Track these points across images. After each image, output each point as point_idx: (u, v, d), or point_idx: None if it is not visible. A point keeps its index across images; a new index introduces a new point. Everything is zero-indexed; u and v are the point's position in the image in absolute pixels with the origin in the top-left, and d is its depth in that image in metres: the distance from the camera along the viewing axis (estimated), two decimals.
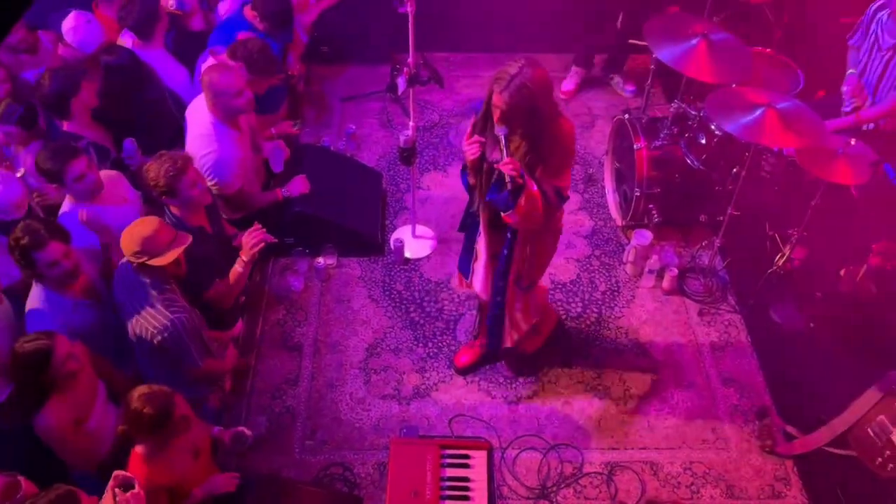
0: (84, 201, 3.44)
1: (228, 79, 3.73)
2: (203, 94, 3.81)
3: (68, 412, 2.82)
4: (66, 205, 3.51)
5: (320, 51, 5.74)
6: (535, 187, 2.96)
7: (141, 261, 2.94)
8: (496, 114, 2.88)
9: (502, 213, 3.02)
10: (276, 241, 3.75)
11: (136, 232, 2.94)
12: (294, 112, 5.22)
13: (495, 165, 2.95)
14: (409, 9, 3.58)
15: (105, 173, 3.61)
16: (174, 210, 3.37)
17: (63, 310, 3.09)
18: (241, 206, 4.12)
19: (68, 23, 4.20)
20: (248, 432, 3.20)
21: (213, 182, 3.83)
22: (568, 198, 3.15)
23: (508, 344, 3.70)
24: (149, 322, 2.99)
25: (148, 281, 3.01)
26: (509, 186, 2.88)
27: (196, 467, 2.89)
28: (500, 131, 2.87)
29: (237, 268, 3.51)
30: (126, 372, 3.26)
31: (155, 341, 2.99)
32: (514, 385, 3.95)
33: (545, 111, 2.90)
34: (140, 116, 4.11)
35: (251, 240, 3.46)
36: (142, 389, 2.63)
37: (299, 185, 4.27)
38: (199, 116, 3.85)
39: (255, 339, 4.12)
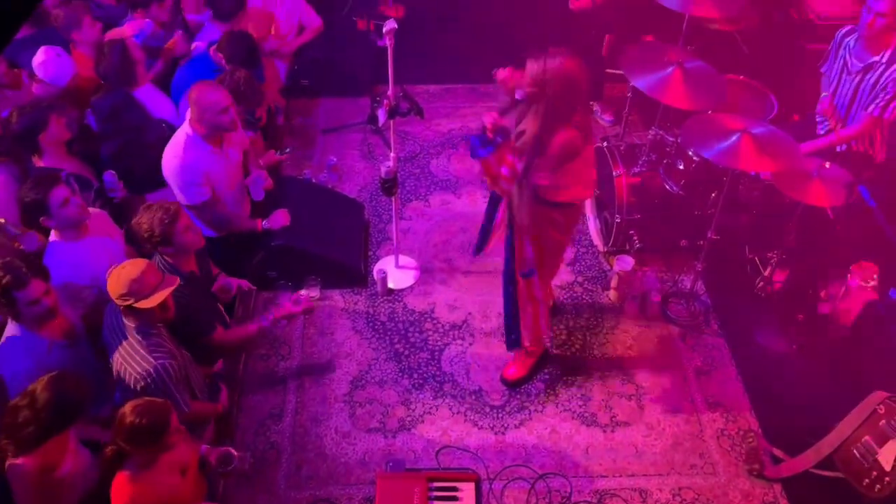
0: (70, 230, 3.40)
1: (215, 95, 3.75)
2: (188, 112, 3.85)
3: (35, 458, 2.74)
4: (53, 236, 3.47)
5: (301, 84, 5.77)
6: (510, 159, 3.14)
7: (127, 303, 2.89)
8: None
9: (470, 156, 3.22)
10: (255, 288, 3.91)
11: (123, 274, 2.89)
12: (274, 145, 5.22)
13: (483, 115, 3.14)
14: (389, 42, 3.61)
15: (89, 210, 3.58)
16: (168, 258, 3.35)
17: (38, 350, 3.03)
18: (219, 224, 4.10)
19: (38, 58, 4.20)
20: (235, 453, 3.15)
21: (176, 190, 3.88)
22: (554, 204, 3.28)
23: (526, 343, 3.82)
24: (132, 367, 2.94)
25: (134, 325, 2.97)
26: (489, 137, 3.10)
27: (184, 485, 2.83)
28: (518, 95, 3.06)
29: (251, 328, 3.60)
30: (102, 413, 3.19)
31: (137, 387, 2.92)
32: (500, 415, 3.92)
33: (560, 107, 3.05)
34: (133, 154, 4.12)
35: (291, 309, 3.66)
36: (134, 403, 2.61)
37: (280, 219, 4.27)
38: (178, 132, 3.89)
39: (239, 375, 4.07)
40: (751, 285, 4.30)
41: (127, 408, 2.59)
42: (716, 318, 4.39)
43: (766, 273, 4.22)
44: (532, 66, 3.02)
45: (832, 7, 5.30)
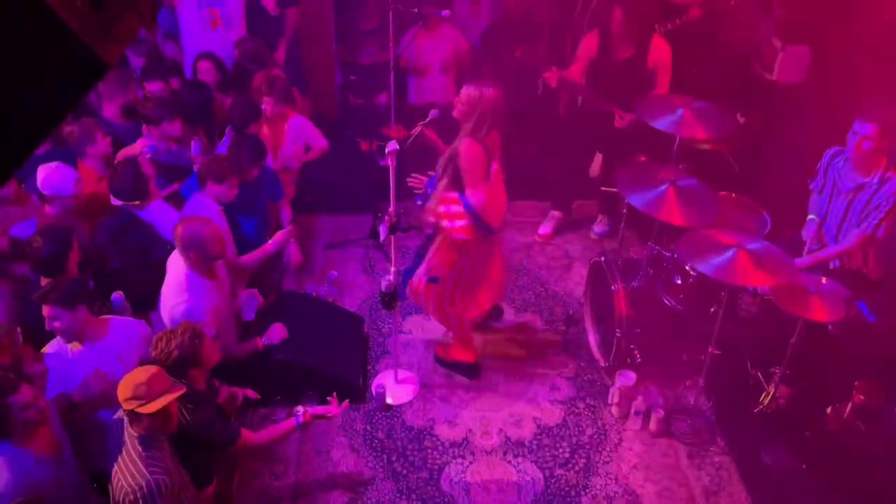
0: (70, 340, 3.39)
1: (203, 227, 3.76)
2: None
3: None
4: (53, 345, 3.44)
5: (305, 201, 5.92)
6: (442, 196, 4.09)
7: (131, 407, 2.86)
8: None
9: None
10: (259, 397, 3.76)
11: (131, 378, 2.89)
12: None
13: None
14: (391, 162, 3.74)
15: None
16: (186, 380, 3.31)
17: (23, 467, 2.95)
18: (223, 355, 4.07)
19: (39, 177, 4.18)
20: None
21: None
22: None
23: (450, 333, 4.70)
24: (125, 479, 2.86)
25: (137, 434, 2.92)
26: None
27: None
28: (432, 114, 4.11)
29: (286, 425, 3.60)
30: None
31: (126, 500, 2.83)
32: None
33: (481, 125, 3.90)
34: (137, 274, 4.15)
35: (329, 410, 3.69)
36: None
37: (278, 333, 4.26)
38: (175, 266, 3.86)
39: (232, 495, 3.93)
40: (755, 401, 4.23)
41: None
42: (721, 434, 4.29)
43: (771, 389, 4.17)
44: (469, 91, 3.90)
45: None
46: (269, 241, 4.55)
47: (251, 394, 3.87)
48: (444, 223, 4.11)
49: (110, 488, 2.94)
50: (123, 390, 2.87)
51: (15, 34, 1.16)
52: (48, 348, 3.49)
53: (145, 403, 2.86)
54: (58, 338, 3.47)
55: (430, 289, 4.37)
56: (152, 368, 2.97)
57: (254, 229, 4.72)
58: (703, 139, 4.75)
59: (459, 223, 4.04)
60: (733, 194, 4.72)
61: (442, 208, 4.06)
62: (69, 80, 1.27)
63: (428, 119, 4.14)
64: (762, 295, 4.14)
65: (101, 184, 4.45)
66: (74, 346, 3.46)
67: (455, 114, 3.94)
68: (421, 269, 4.43)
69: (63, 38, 1.20)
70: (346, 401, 3.82)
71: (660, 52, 4.96)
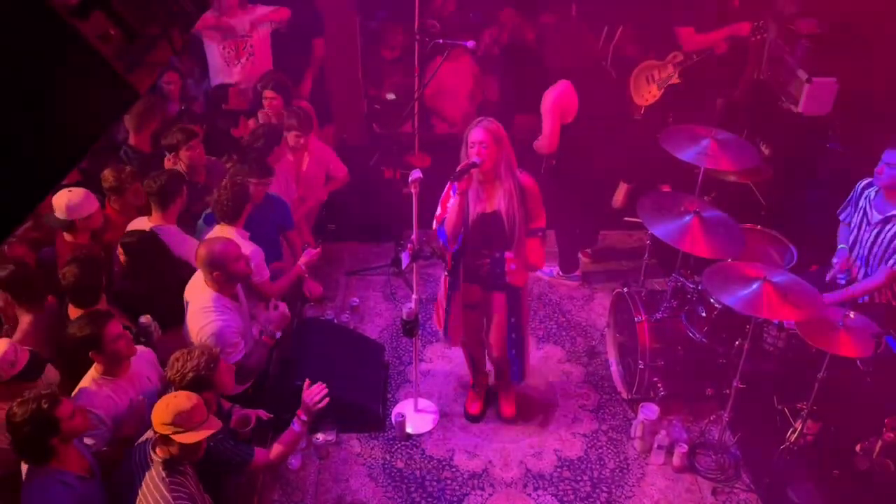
0: (114, 367, 3.40)
1: (225, 247, 3.78)
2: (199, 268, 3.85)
3: None
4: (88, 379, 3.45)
5: (327, 228, 5.96)
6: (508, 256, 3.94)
7: (167, 432, 2.86)
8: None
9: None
10: (272, 416, 3.71)
11: (173, 403, 2.89)
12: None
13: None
14: (414, 190, 3.76)
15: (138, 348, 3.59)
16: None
17: (72, 485, 2.96)
18: (246, 376, 4.06)
19: (59, 203, 4.09)
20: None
21: None
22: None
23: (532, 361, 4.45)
24: (148, 501, 2.87)
25: (161, 459, 2.92)
26: None
27: None
28: (476, 158, 3.63)
29: (295, 427, 3.49)
30: None
31: None
32: None
33: (512, 158, 3.73)
34: (160, 294, 4.16)
35: (314, 397, 3.52)
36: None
37: (278, 318, 4.09)
38: (198, 292, 3.87)
39: None
40: (781, 437, 4.14)
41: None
42: (747, 471, 4.20)
43: (798, 425, 4.08)
44: (488, 127, 3.65)
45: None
46: (298, 263, 4.52)
47: (264, 415, 3.82)
48: (538, 268, 4.13)
49: None
50: (163, 414, 2.87)
51: (53, 65, 1.19)
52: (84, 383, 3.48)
53: (183, 432, 2.86)
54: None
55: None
56: (195, 398, 2.96)
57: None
58: (728, 170, 4.73)
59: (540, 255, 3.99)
60: (758, 226, 4.68)
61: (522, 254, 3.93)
62: (102, 108, 1.30)
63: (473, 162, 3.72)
64: (788, 329, 4.07)
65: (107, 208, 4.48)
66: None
67: (485, 168, 3.68)
68: (513, 333, 4.18)
69: (98, 68, 1.23)
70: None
71: None
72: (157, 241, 4.19)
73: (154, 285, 4.09)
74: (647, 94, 5.70)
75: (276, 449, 3.48)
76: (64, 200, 4.06)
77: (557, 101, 4.95)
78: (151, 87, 5.47)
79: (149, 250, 4.10)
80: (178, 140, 4.75)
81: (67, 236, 4.15)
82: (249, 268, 3.95)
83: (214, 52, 5.90)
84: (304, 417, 3.46)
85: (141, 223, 4.35)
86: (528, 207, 3.79)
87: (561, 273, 5.65)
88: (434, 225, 4.01)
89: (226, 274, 3.77)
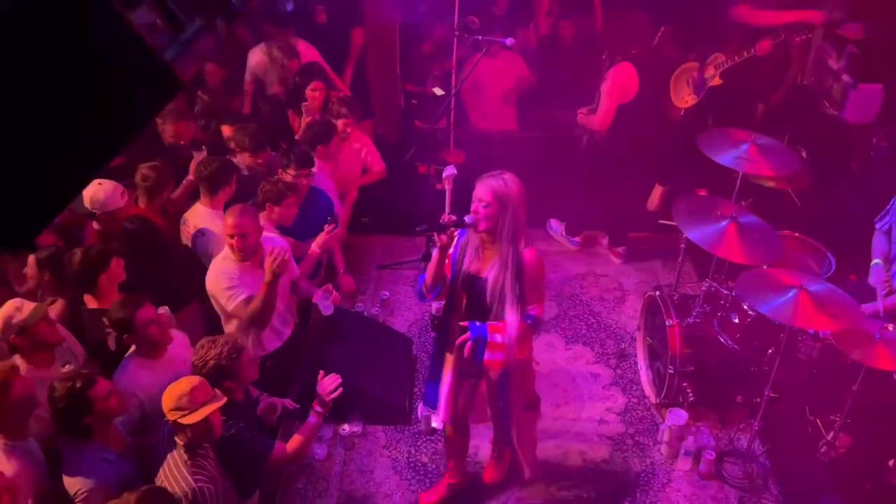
0: (150, 350, 3.46)
1: (244, 219, 3.78)
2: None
3: None
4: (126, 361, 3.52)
5: (360, 221, 6.00)
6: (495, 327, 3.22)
7: (174, 418, 2.93)
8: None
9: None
10: (297, 406, 3.73)
11: (175, 388, 2.96)
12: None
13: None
14: (447, 186, 3.77)
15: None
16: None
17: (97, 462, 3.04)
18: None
19: (90, 194, 4.10)
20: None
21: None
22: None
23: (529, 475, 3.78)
24: (170, 483, 2.93)
25: (182, 442, 2.98)
26: None
27: None
28: (470, 219, 3.17)
29: (311, 420, 3.46)
30: None
31: None
32: None
33: (519, 225, 3.18)
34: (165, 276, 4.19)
35: (328, 387, 3.44)
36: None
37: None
38: (223, 262, 3.87)
39: None
40: (813, 449, 4.07)
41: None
42: (775, 482, 4.14)
43: (830, 437, 4.01)
44: (494, 187, 3.15)
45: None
46: (313, 245, 4.49)
47: (290, 404, 3.85)
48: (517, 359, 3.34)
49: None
50: (167, 400, 2.94)
51: (102, 56, 1.22)
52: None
53: (187, 414, 2.92)
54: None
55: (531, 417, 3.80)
56: (194, 380, 3.02)
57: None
58: (766, 176, 4.65)
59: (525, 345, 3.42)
60: (796, 233, 4.59)
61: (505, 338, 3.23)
62: (146, 98, 1.32)
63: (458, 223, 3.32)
64: (824, 339, 4.00)
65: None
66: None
67: (483, 227, 3.20)
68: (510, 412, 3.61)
69: (144, 58, 1.25)
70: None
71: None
72: (149, 225, 4.22)
73: (156, 270, 4.10)
74: (687, 96, 5.63)
75: (295, 440, 3.51)
76: (91, 192, 4.05)
77: (619, 79, 5.03)
78: (195, 76, 5.54)
79: (145, 236, 4.13)
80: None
81: (96, 225, 4.20)
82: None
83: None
84: (319, 409, 3.46)
85: (193, 211, 4.40)
86: (524, 287, 3.22)
87: (565, 233, 6.01)
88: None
89: (243, 241, 3.75)
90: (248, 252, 3.77)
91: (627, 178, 5.46)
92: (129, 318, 3.36)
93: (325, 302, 4.31)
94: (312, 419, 3.45)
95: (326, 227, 4.46)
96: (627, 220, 5.87)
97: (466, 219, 3.20)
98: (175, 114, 4.84)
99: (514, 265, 3.19)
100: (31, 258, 3.81)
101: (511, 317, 3.19)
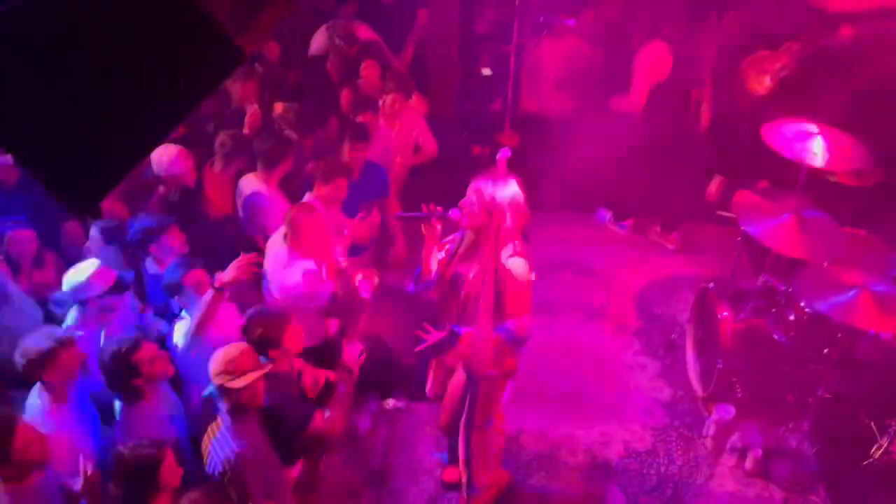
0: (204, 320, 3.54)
1: (311, 218, 3.88)
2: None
3: None
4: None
5: (411, 199, 5.99)
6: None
7: (220, 382, 3.02)
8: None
9: None
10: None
11: (222, 353, 3.06)
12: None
13: None
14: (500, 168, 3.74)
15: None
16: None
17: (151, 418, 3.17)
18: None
19: (155, 157, 4.23)
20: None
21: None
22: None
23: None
24: (215, 450, 3.01)
25: (227, 406, 3.07)
26: None
27: None
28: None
29: (341, 389, 3.54)
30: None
31: (216, 472, 2.98)
32: None
33: (506, 234, 3.07)
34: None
35: (353, 354, 3.53)
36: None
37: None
38: (278, 248, 3.96)
39: (316, 480, 4.04)
40: (865, 453, 3.96)
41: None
42: (823, 484, 4.04)
43: (884, 442, 3.89)
44: (482, 192, 3.05)
45: None
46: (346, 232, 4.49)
47: (332, 376, 3.88)
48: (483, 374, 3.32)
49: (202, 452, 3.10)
50: (215, 365, 3.04)
51: (167, 27, 1.24)
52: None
53: (233, 378, 3.01)
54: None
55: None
56: (242, 345, 3.13)
57: None
58: (833, 171, 4.49)
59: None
60: (861, 231, 4.43)
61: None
62: (210, 69, 1.35)
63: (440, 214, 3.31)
64: (885, 342, 3.87)
65: None
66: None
67: (465, 224, 3.15)
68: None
69: (208, 29, 1.28)
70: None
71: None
72: (193, 194, 4.31)
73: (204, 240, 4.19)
74: (758, 85, 5.46)
75: (331, 410, 3.58)
76: (156, 156, 4.20)
77: (650, 58, 4.96)
78: (257, 52, 5.61)
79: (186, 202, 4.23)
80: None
81: (162, 189, 4.33)
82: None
83: None
84: (345, 376, 3.54)
85: (248, 180, 4.49)
86: (504, 298, 3.10)
87: (612, 219, 6.05)
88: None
89: (297, 239, 3.86)
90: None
91: (679, 164, 5.34)
92: (180, 281, 3.48)
93: (364, 286, 4.36)
94: (342, 388, 3.51)
95: (359, 215, 4.46)
96: (681, 206, 5.75)
97: (450, 213, 3.14)
98: (243, 75, 4.98)
99: (491, 272, 3.06)
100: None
101: (481, 325, 3.10)
